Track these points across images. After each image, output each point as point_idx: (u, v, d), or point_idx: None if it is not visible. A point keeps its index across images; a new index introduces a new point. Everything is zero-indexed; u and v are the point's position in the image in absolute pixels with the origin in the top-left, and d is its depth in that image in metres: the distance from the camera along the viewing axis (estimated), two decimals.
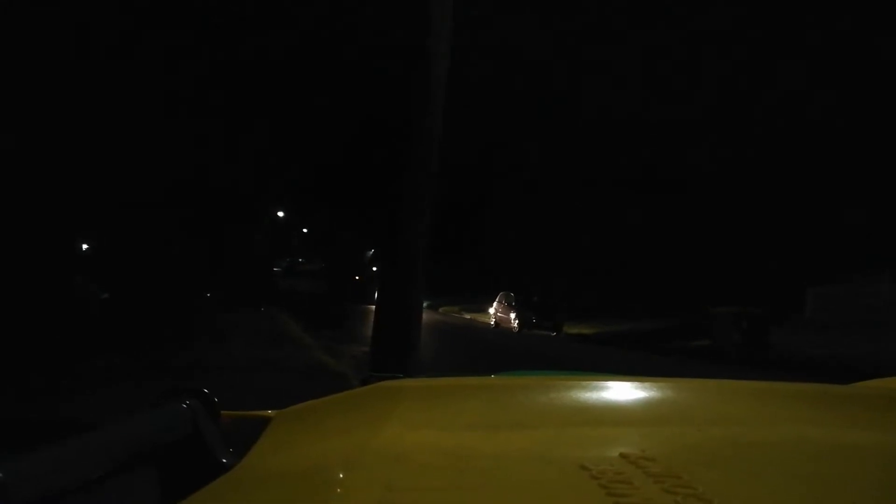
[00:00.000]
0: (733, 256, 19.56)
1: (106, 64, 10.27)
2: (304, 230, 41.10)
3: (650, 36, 21.96)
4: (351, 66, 17.05)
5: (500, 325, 23.27)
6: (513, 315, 22.26)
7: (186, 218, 13.89)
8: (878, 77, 17.02)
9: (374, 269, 34.24)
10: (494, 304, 24.62)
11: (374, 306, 5.85)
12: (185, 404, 0.73)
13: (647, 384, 0.77)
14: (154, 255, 12.89)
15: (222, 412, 0.79)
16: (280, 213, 34.13)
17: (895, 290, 13.41)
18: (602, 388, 0.75)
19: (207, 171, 13.82)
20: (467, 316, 31.20)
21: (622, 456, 0.50)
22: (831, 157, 17.91)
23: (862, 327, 12.81)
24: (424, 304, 6.22)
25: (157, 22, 11.09)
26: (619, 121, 22.88)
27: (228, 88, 13.86)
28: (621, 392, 0.75)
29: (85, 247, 16.86)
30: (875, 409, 0.74)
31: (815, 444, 0.58)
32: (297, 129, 17.89)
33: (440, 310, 35.23)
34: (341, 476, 0.50)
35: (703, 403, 0.74)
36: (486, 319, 25.61)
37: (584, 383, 0.77)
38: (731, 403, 0.74)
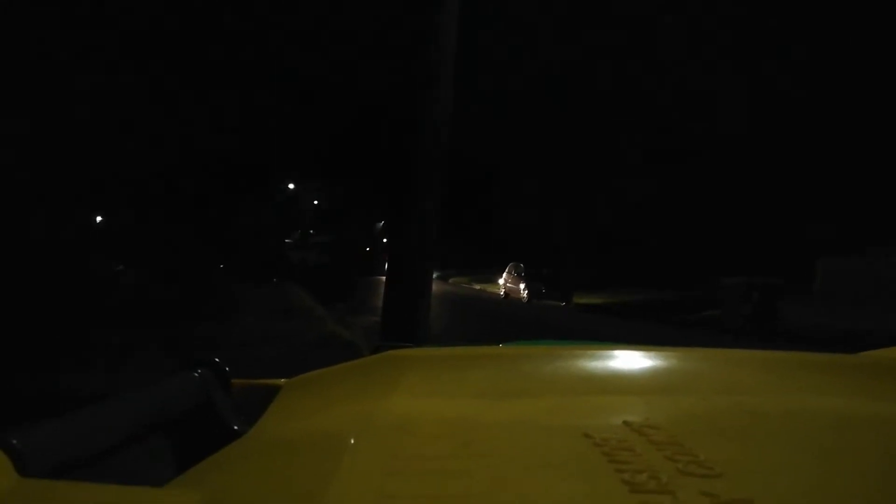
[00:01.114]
0: (745, 227, 19.41)
1: (121, 37, 10.25)
2: (315, 202, 41.11)
3: (665, 3, 21.50)
4: (361, 40, 16.90)
5: (510, 296, 23.30)
6: (522, 285, 22.27)
7: (199, 190, 13.94)
8: None
9: (385, 240, 34.28)
10: (504, 274, 24.63)
11: (384, 277, 5.87)
12: (197, 374, 0.75)
13: (652, 353, 0.77)
14: (167, 228, 12.97)
15: (234, 381, 0.81)
16: (291, 186, 34.12)
17: None
18: (607, 357, 0.76)
19: (220, 144, 13.82)
20: (477, 287, 31.26)
21: (626, 424, 0.51)
22: (845, 128, 17.60)
23: (873, 299, 12.71)
24: (434, 275, 6.24)
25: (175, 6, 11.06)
26: (631, 90, 22.55)
27: (241, 62, 13.79)
28: (627, 361, 0.76)
29: (99, 219, 16.98)
30: (882, 378, 0.73)
31: (820, 413, 0.58)
32: (308, 102, 17.81)
33: (450, 281, 35.32)
34: (348, 443, 0.51)
35: (709, 373, 0.75)
36: (496, 290, 25.65)
37: (590, 352, 0.78)
38: (737, 373, 0.74)
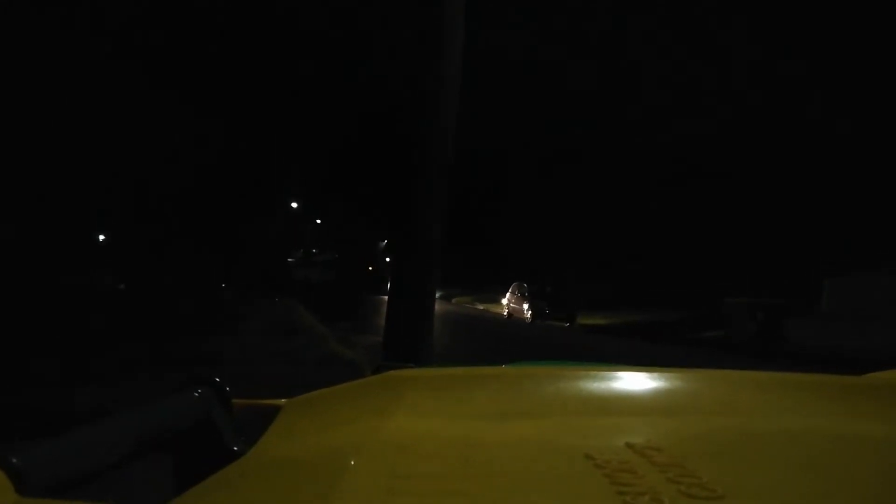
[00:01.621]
0: (750, 247, 19.38)
1: (126, 59, 10.37)
2: (318, 221, 41.26)
3: (671, 27, 21.71)
4: (365, 56, 17.08)
5: (513, 316, 23.24)
6: (526, 305, 22.23)
7: (202, 210, 14.00)
8: None
9: (388, 259, 34.30)
10: (507, 294, 24.59)
11: (387, 297, 5.87)
12: (198, 393, 0.74)
13: (655, 374, 0.77)
14: (170, 247, 13.01)
15: (235, 400, 0.80)
16: (294, 205, 34.29)
17: None
18: (610, 378, 0.75)
19: (223, 164, 13.91)
20: (480, 306, 31.19)
21: (628, 445, 0.50)
22: (850, 146, 17.64)
23: (880, 319, 12.61)
24: (437, 295, 6.23)
25: (179, 20, 11.21)
26: (636, 111, 22.69)
27: (245, 83, 13.93)
28: (629, 382, 0.75)
29: (101, 238, 17.05)
30: (883, 400, 0.73)
31: (820, 435, 0.58)
32: (311, 121, 17.95)
33: (453, 300, 35.24)
34: (348, 463, 0.51)
35: (711, 394, 0.74)
36: (500, 310, 25.58)
37: (592, 373, 0.77)
38: (739, 394, 0.74)
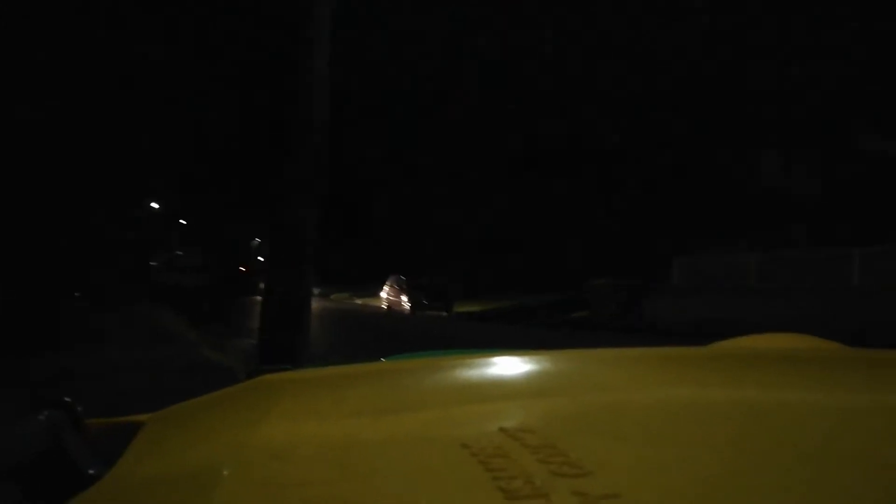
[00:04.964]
0: (613, 231, 20.64)
1: None
2: (183, 222, 39.00)
3: (530, 13, 22.37)
4: (231, 43, 16.29)
5: (392, 309, 23.29)
6: (404, 297, 22.35)
7: (50, 212, 12.74)
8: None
9: (261, 259, 33.14)
10: (385, 287, 24.58)
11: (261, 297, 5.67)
12: (43, 416, 0.68)
13: (527, 357, 0.79)
14: (12, 252, 11.73)
15: (89, 420, 0.74)
16: (155, 205, 32.15)
17: (752, 258, 14.71)
18: (484, 365, 0.77)
19: (74, 162, 12.74)
20: (359, 301, 30.97)
21: (502, 430, 0.51)
22: (694, 139, 19.19)
23: (723, 293, 14.03)
24: (316, 292, 6.12)
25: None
26: (503, 100, 23.33)
27: (97, 74, 12.82)
28: (503, 367, 0.77)
29: None
30: (727, 367, 0.80)
31: (676, 404, 0.62)
32: (172, 114, 16.86)
33: (331, 297, 34.75)
34: (217, 477, 0.48)
35: (579, 373, 0.78)
36: (379, 304, 25.54)
37: (468, 361, 0.79)
38: (604, 371, 0.78)
